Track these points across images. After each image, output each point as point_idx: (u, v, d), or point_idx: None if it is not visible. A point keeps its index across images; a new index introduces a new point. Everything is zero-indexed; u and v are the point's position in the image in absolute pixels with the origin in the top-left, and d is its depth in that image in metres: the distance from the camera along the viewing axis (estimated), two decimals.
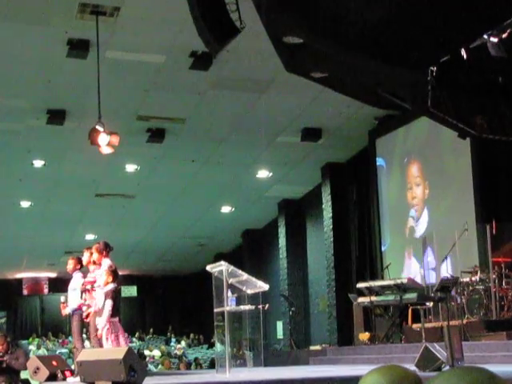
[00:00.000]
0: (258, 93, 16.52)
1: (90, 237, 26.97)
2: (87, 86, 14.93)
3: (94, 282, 11.00)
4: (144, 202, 24.13)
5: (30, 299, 36.90)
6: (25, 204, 23.98)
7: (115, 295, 10.43)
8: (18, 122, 17.34)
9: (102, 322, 10.14)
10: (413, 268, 17.44)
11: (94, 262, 11.17)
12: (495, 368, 2.21)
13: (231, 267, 10.59)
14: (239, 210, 26.23)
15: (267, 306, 13.49)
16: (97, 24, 13.02)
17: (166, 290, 37.17)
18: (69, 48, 13.92)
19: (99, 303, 10.41)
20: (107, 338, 10.15)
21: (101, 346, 10.34)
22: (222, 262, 10.68)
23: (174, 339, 34.51)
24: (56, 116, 16.88)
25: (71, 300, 11.48)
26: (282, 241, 25.22)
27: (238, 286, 10.95)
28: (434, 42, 7.38)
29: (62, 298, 11.74)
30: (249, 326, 20.48)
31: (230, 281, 10.61)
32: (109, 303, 10.15)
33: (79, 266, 11.58)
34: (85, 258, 11.42)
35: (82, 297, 11.25)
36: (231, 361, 11.01)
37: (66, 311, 11.66)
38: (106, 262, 10.88)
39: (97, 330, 10.49)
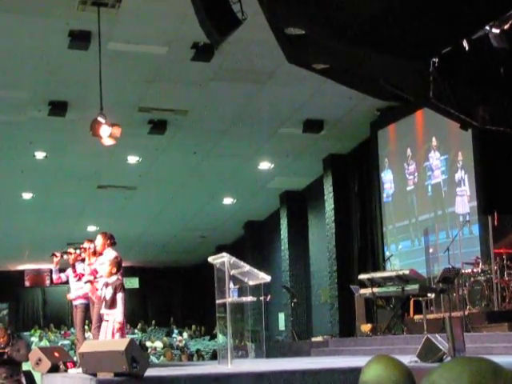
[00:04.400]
0: (259, 84, 16.52)
1: (91, 228, 27.00)
2: (89, 78, 14.92)
3: (95, 270, 11.00)
4: (146, 194, 24.15)
5: (32, 291, 36.95)
6: (26, 196, 24.00)
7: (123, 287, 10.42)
8: (19, 113, 17.35)
9: (118, 316, 10.11)
10: None
11: (94, 253, 11.17)
12: (497, 359, 2.21)
13: (233, 259, 10.59)
14: (241, 201, 26.23)
15: (269, 297, 13.54)
16: (98, 15, 13.02)
17: (168, 281, 37.20)
18: (70, 39, 13.92)
19: (100, 293, 10.40)
20: (114, 332, 10.11)
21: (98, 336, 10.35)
22: (224, 254, 10.68)
23: (176, 331, 34.56)
24: (58, 107, 16.89)
25: (75, 288, 11.55)
26: (284, 232, 25.24)
27: (239, 278, 10.95)
28: (435, 33, 7.37)
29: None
30: (251, 317, 20.54)
31: (232, 272, 10.60)
32: (120, 296, 10.14)
33: (81, 258, 11.59)
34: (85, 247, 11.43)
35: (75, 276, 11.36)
36: (233, 352, 11.02)
37: (69, 296, 11.78)
38: (110, 252, 10.88)
39: (99, 320, 10.48)
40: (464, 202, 16.07)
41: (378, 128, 19.21)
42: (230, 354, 10.42)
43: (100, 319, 10.50)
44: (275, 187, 24.66)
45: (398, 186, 18.54)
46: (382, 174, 19.07)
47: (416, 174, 17.87)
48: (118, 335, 10.06)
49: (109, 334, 10.07)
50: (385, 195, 18.98)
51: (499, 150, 15.56)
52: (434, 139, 17.20)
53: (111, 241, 11.08)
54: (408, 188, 18.12)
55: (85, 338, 11.33)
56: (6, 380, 12.94)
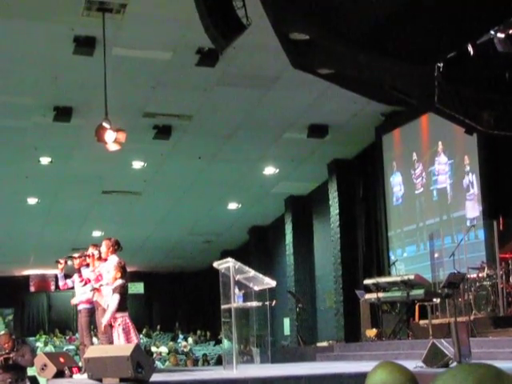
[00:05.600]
0: (264, 89, 16.52)
1: (96, 234, 27.00)
2: (94, 83, 14.94)
3: (100, 275, 11.00)
4: (151, 199, 24.15)
5: (37, 296, 36.95)
6: (32, 201, 24.02)
7: (124, 291, 10.40)
8: (24, 119, 17.37)
9: (106, 316, 10.12)
10: None
11: (100, 258, 11.16)
12: (502, 364, 2.21)
13: (238, 264, 10.60)
14: (246, 206, 26.23)
15: (274, 302, 13.50)
16: (103, 21, 13.03)
17: (173, 286, 37.20)
18: (75, 45, 13.93)
19: (108, 300, 10.39)
20: (119, 334, 10.11)
21: (111, 342, 10.33)
22: (229, 259, 10.69)
23: (181, 336, 34.54)
24: (62, 113, 16.90)
25: (79, 293, 11.57)
26: (289, 237, 25.22)
27: (245, 283, 10.96)
28: (440, 38, 7.36)
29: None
30: (256, 322, 20.51)
31: (237, 277, 10.62)
32: (116, 297, 10.11)
33: (85, 263, 11.60)
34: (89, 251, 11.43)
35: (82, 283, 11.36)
36: (238, 357, 11.03)
37: (73, 301, 11.81)
38: (114, 259, 10.87)
39: (105, 327, 10.48)
40: (474, 206, 16.03)
41: (383, 133, 19.19)
42: (235, 359, 10.43)
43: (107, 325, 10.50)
44: (280, 192, 24.66)
45: (407, 189, 18.51)
46: (391, 178, 19.03)
47: (424, 174, 17.82)
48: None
49: (121, 339, 10.07)
50: (394, 199, 18.93)
51: (504, 155, 15.56)
52: (440, 143, 17.18)
53: (114, 247, 11.05)
54: (416, 191, 18.08)
55: (92, 343, 11.33)
56: None
